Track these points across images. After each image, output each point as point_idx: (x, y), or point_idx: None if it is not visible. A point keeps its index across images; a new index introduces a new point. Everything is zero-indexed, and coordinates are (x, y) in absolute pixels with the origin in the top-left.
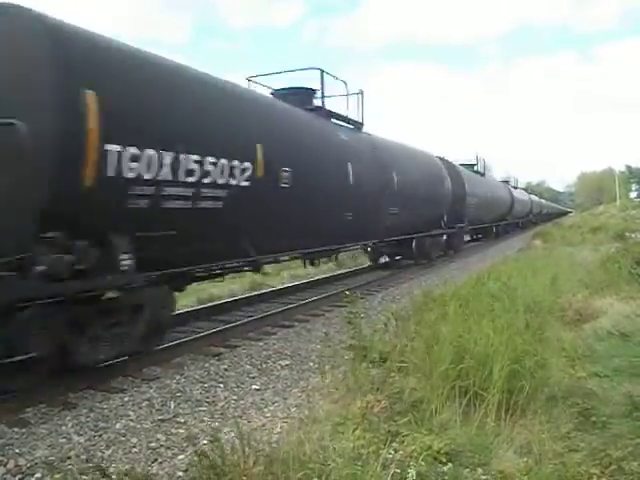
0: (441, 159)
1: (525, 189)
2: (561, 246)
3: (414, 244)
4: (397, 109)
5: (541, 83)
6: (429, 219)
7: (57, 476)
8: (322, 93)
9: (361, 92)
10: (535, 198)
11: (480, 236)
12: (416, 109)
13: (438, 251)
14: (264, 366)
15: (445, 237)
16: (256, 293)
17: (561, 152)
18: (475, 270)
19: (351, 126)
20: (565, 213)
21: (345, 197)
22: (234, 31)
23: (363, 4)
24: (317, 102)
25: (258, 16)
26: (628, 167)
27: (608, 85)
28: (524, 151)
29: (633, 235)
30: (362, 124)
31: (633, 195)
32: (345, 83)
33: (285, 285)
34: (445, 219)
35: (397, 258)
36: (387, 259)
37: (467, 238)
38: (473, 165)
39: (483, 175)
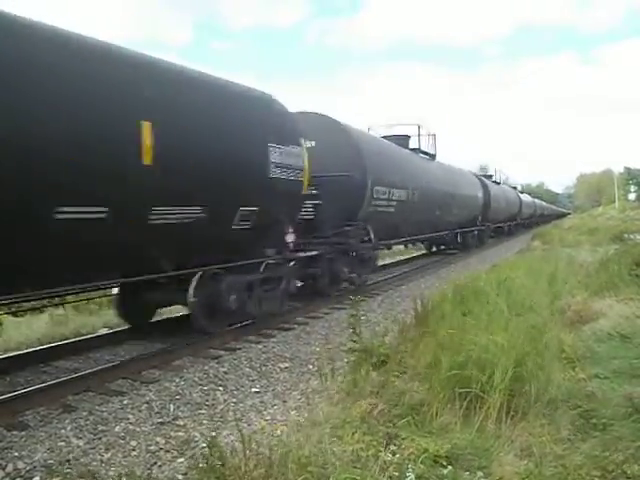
0: (303, 114)
1: (515, 187)
2: (560, 247)
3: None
4: (397, 107)
5: (542, 84)
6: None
7: (56, 479)
8: None
9: None
10: (527, 198)
11: (443, 248)
12: (415, 109)
13: (292, 294)
14: (264, 369)
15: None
16: None
17: (560, 154)
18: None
19: None
20: (564, 215)
21: None
22: (236, 31)
23: (366, 6)
24: None
25: (260, 17)
26: (627, 169)
27: (608, 87)
28: (523, 153)
29: (632, 236)
30: None
31: (632, 197)
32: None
33: None
34: (289, 231)
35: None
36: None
37: (422, 251)
38: (406, 137)
39: (433, 157)
